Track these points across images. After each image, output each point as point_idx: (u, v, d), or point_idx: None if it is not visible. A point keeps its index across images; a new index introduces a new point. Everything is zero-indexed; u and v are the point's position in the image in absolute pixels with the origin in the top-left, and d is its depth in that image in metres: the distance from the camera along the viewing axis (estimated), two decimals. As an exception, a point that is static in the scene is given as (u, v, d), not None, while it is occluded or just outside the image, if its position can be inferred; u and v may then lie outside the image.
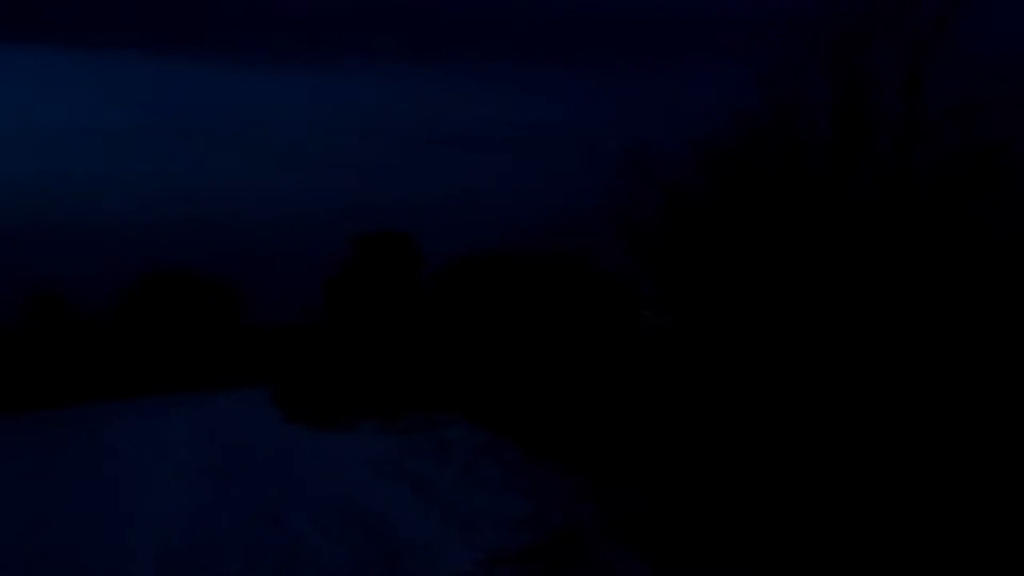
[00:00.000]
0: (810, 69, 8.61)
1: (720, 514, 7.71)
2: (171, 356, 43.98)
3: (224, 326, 46.79)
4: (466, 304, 17.46)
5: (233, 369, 43.66)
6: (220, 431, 19.95)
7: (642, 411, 9.77)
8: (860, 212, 8.30)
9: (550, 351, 12.56)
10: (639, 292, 11.97)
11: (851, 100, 8.43)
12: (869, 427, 7.35)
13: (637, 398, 10.02)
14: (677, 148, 9.82)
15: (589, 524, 8.73)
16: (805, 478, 7.36)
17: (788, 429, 7.84)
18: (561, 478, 10.78)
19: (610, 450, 9.97)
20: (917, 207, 8.05)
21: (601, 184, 10.34)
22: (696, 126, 9.65)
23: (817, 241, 8.31)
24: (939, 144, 8.09)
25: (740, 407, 8.35)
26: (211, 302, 47.24)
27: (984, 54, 7.67)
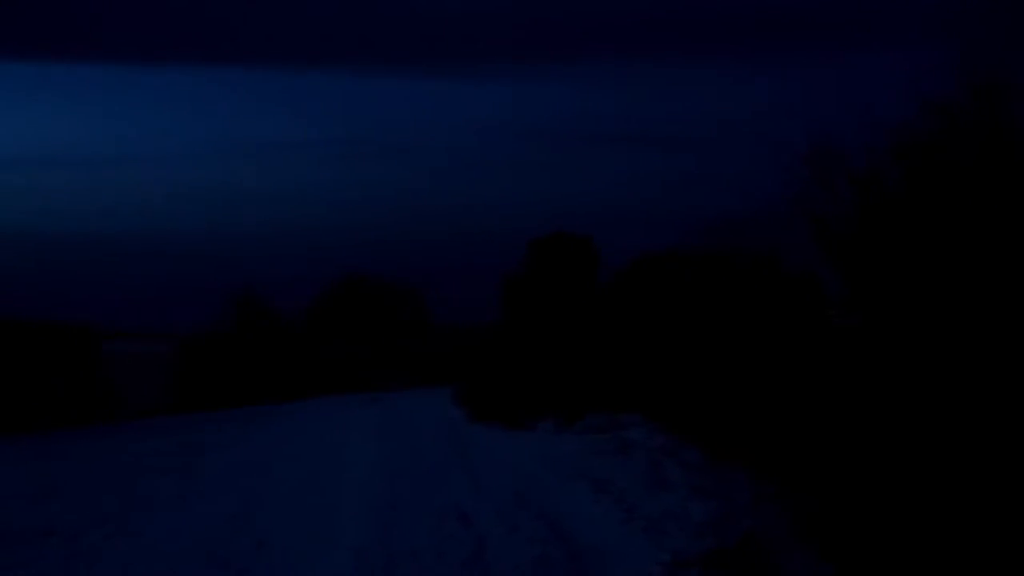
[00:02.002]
0: (1015, 49, 8.03)
1: (914, 521, 7.32)
2: (360, 356, 45.91)
3: (410, 328, 48.42)
4: (647, 304, 17.31)
5: (420, 369, 45.17)
6: (407, 429, 20.66)
7: (831, 413, 9.40)
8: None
9: (733, 351, 12.27)
10: (827, 290, 11.53)
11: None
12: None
13: (825, 400, 9.65)
14: (865, 139, 9.40)
15: (776, 529, 8.49)
16: (1008, 488, 6.88)
17: (990, 436, 7.35)
18: (746, 481, 10.52)
19: (797, 453, 9.65)
20: None
21: (786, 178, 10.04)
22: (883, 115, 9.21)
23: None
24: None
25: (936, 411, 7.90)
26: (399, 305, 49.00)
27: None
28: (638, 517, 9.65)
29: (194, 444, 18.46)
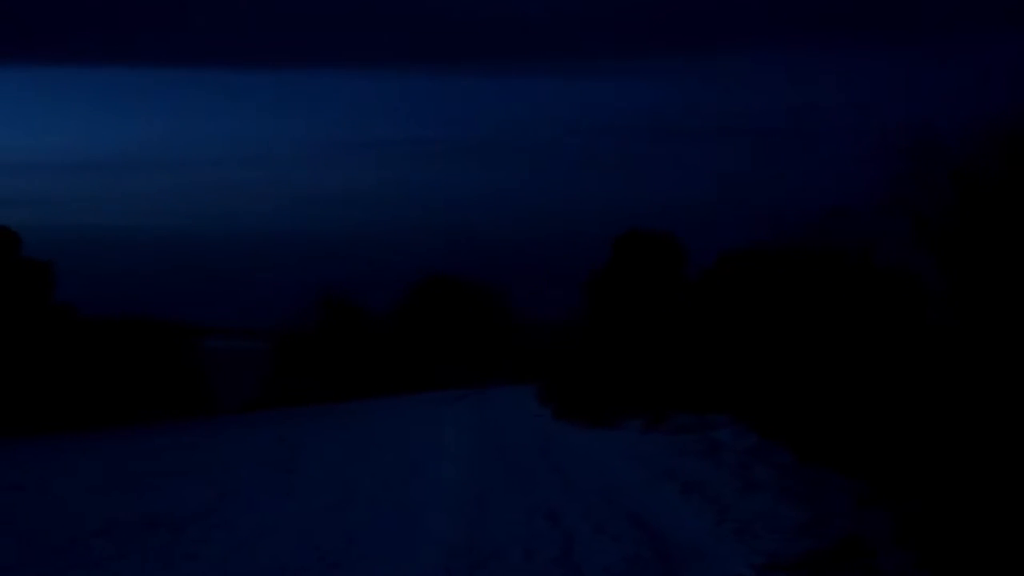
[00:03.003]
0: None
1: (1017, 524, 7.05)
2: (446, 354, 46.37)
3: (494, 326, 48.68)
4: (735, 301, 17.04)
5: (504, 367, 45.40)
6: (493, 427, 20.79)
7: (929, 413, 9.12)
8: None
9: (826, 351, 12.00)
10: (925, 287, 11.17)
11: None
12: None
13: (923, 400, 9.36)
14: (961, 128, 9.05)
15: (875, 532, 8.28)
16: None
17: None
18: (840, 483, 10.29)
19: (895, 454, 9.38)
20: None
21: (879, 170, 9.76)
22: (986, 104, 8.86)
23: None
24: None
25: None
26: (482, 303, 49.30)
27: None
28: (729, 519, 9.52)
29: (288, 439, 18.90)
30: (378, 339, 45.47)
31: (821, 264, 13.30)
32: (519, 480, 12.57)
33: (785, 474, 11.31)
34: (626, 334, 21.99)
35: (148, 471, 15.21)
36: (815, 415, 11.68)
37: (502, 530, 9.43)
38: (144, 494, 12.61)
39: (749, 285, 16.53)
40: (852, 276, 12.43)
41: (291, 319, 45.30)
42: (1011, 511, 7.24)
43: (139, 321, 30.99)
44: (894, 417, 9.56)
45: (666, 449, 14.61)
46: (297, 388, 41.93)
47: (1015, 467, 7.54)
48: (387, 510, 10.73)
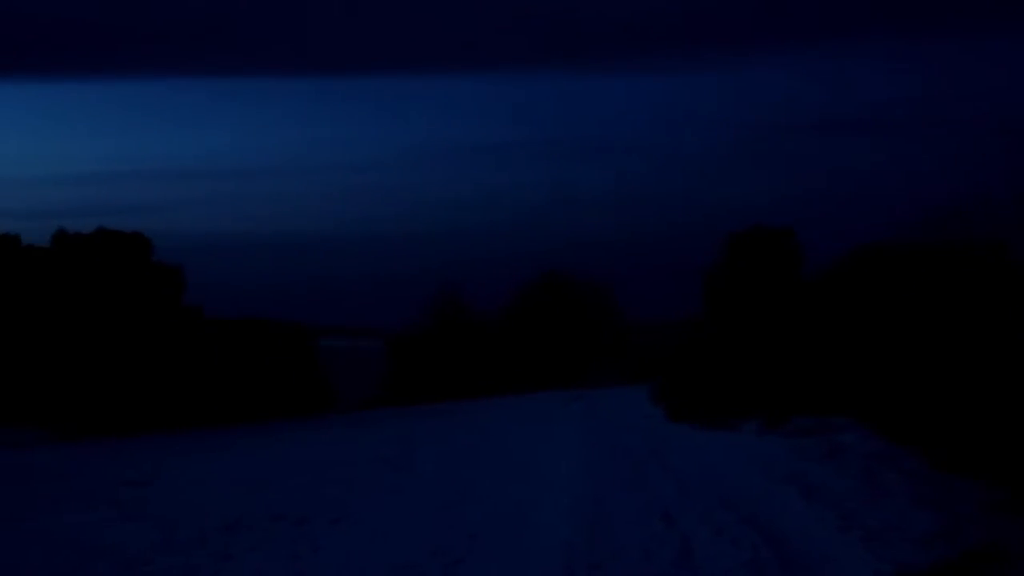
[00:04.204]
0: None
1: None
2: (558, 354, 46.43)
3: (607, 325, 48.50)
4: (861, 300, 16.49)
5: (617, 367, 45.16)
6: (606, 427, 20.70)
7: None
8: None
9: (960, 351, 11.50)
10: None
11: None
12: None
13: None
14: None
15: (1011, 540, 7.90)
16: None
17: None
18: (974, 490, 9.85)
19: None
20: None
21: (1013, 163, 9.28)
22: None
23: None
24: None
25: None
26: (595, 303, 49.17)
27: None
28: (855, 525, 9.22)
29: (406, 437, 19.25)
30: (491, 339, 45.88)
31: (952, 260, 12.74)
32: (634, 481, 12.47)
33: (914, 480, 10.90)
34: (742, 333, 21.56)
35: (272, 468, 15.74)
36: (948, 419, 11.20)
37: (619, 531, 9.38)
38: (269, 490, 13.05)
39: (876, 282, 15.95)
40: (985, 272, 11.88)
41: (407, 319, 46.18)
42: None
43: (262, 322, 32.09)
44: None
45: (786, 452, 14.26)
46: (412, 387, 42.70)
47: None
48: (505, 509, 10.81)
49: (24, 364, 28.78)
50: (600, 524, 9.75)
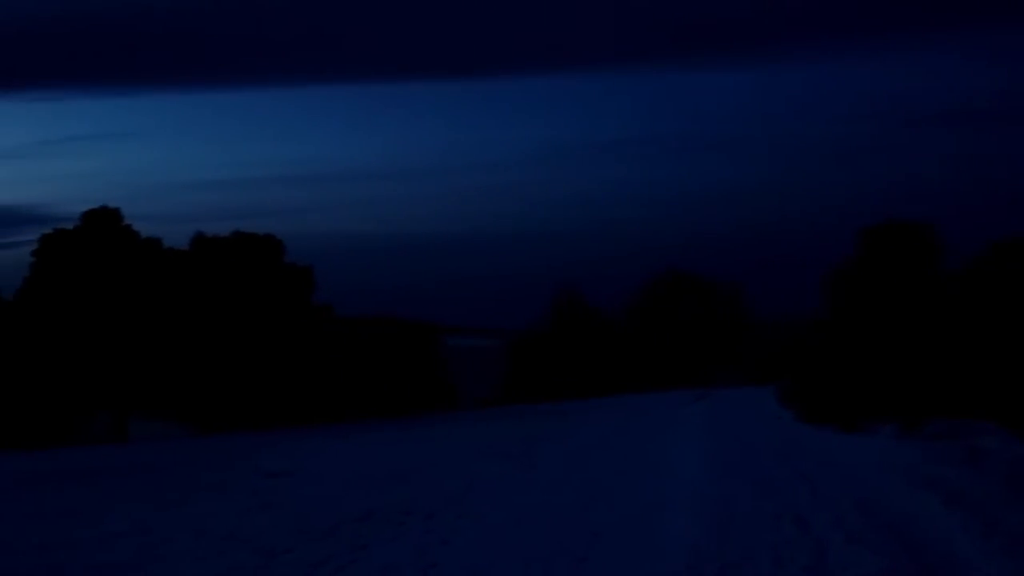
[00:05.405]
0: None
1: None
2: (681, 353, 45.87)
3: (731, 324, 47.63)
4: (1005, 297, 15.71)
5: (742, 366, 44.30)
6: (732, 428, 20.34)
7: None
8: None
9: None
10: None
11: None
12: None
13: None
14: None
15: None
16: None
17: None
18: None
19: None
20: None
21: None
22: None
23: None
24: None
25: None
26: (719, 300, 48.37)
27: None
28: (999, 532, 8.79)
29: (528, 435, 19.40)
30: (612, 337, 45.70)
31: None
32: (763, 484, 12.22)
33: (1065, 488, 10.32)
34: (876, 333, 20.82)
35: (399, 463, 16.11)
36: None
37: (749, 535, 9.21)
38: (397, 484, 13.37)
39: (1019, 277, 15.17)
40: None
41: (529, 318, 46.48)
42: None
43: (388, 320, 32.88)
44: None
45: (923, 457, 13.71)
46: (531, 385, 42.94)
47: None
48: (630, 508, 10.76)
49: (165, 361, 30.26)
50: (729, 527, 9.59)
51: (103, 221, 31.86)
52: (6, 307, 31.46)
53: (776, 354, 38.19)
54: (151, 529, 10.80)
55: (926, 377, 18.02)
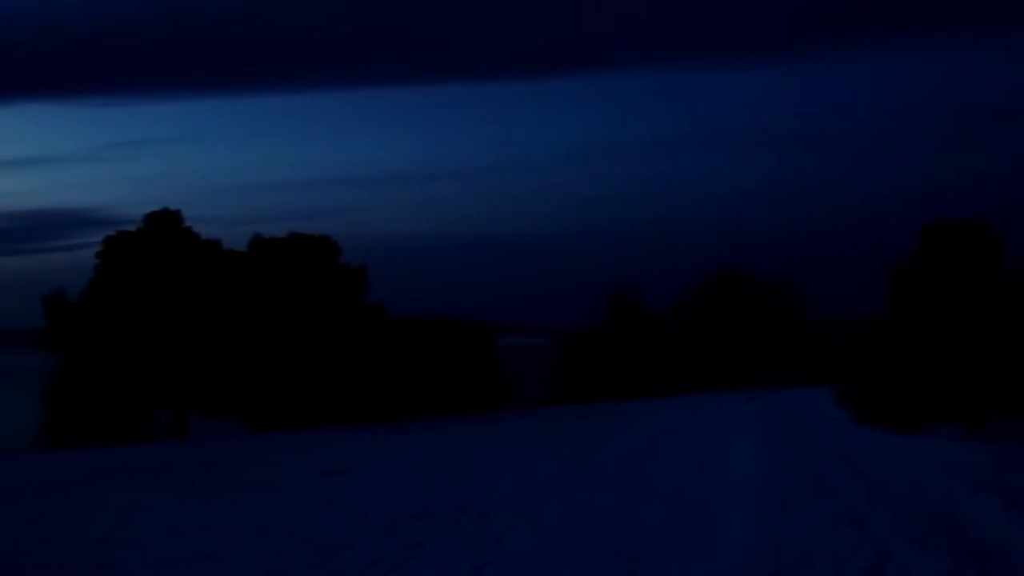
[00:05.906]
0: None
1: None
2: (734, 353, 45.42)
3: (786, 323, 47.04)
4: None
5: (797, 366, 43.74)
6: (789, 429, 20.11)
7: None
8: None
9: None
10: None
11: None
12: None
13: None
14: None
15: None
16: None
17: None
18: None
19: None
20: None
21: None
22: None
23: None
24: None
25: None
26: (772, 299, 47.80)
27: None
28: (1065, 537, 8.59)
29: (581, 435, 19.39)
30: (664, 337, 45.42)
31: None
32: (821, 485, 12.08)
33: None
34: (936, 332, 20.43)
35: (454, 462, 16.21)
36: None
37: (806, 536, 9.11)
38: (452, 483, 13.46)
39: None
40: None
41: (582, 317, 46.38)
42: None
43: (442, 320, 33.10)
44: None
45: (985, 459, 13.45)
46: (584, 385, 42.85)
47: None
48: (684, 509, 10.71)
49: (223, 360, 30.80)
50: (785, 528, 9.50)
51: (164, 223, 32.56)
52: (71, 308, 32.31)
53: (832, 354, 37.65)
54: (211, 526, 11.02)
55: (988, 378, 17.63)
